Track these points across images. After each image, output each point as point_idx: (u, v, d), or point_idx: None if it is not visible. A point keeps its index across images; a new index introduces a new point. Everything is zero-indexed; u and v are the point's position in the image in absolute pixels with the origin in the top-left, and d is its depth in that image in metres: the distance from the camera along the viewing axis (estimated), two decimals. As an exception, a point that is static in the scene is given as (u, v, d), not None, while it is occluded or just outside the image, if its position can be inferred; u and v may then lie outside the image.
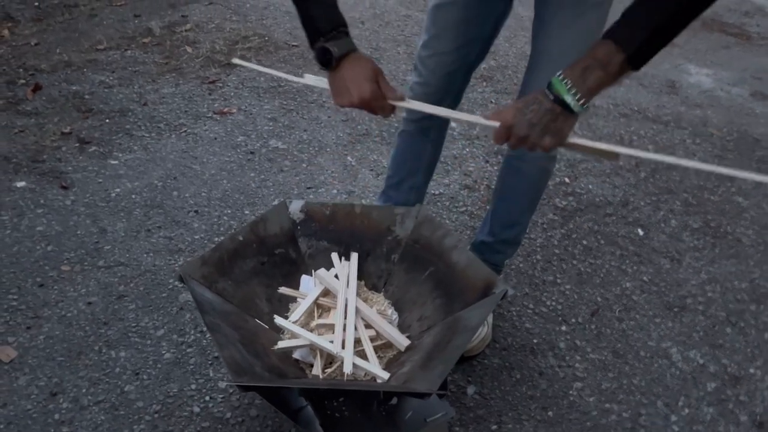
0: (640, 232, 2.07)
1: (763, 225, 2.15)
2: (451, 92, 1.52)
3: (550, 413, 1.45)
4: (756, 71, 3.39)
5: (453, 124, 2.57)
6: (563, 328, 1.68)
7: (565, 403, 1.48)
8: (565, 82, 0.99)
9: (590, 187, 2.27)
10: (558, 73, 1.00)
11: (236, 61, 1.35)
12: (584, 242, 2.00)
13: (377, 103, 1.13)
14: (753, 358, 1.63)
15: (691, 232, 2.09)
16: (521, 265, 1.88)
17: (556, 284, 1.83)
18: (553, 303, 1.76)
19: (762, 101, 3.06)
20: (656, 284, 1.86)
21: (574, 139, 1.05)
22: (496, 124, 1.06)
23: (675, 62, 3.36)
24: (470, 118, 1.14)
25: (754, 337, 1.70)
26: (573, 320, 1.71)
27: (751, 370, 1.59)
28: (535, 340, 1.64)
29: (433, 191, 2.15)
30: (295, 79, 1.25)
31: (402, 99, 1.16)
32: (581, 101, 0.99)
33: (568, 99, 0.98)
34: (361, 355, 1.20)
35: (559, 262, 1.91)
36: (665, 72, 3.23)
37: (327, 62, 1.12)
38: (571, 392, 1.50)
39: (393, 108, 1.15)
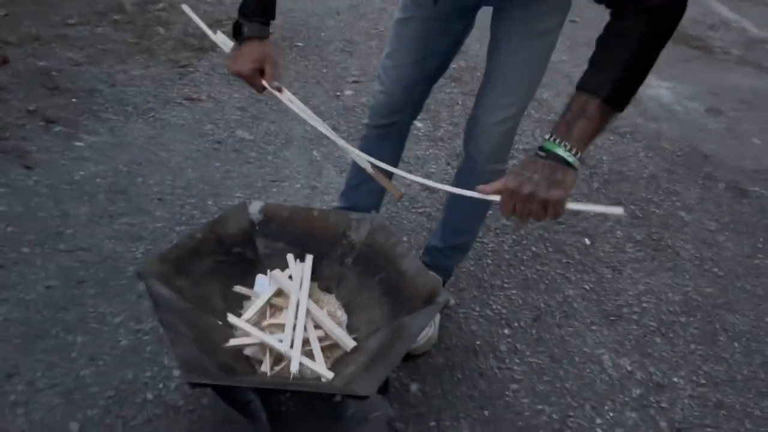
0: (587, 241, 2.18)
1: (702, 239, 2.28)
2: (411, 102, 1.60)
3: (486, 412, 1.55)
4: (713, 86, 3.53)
5: (419, 125, 2.64)
6: (506, 331, 1.78)
7: (501, 403, 1.58)
8: (553, 139, 1.05)
9: (544, 194, 2.37)
10: (545, 136, 1.07)
11: (185, 7, 1.49)
12: (533, 249, 2.10)
13: (249, 80, 1.32)
14: (678, 367, 1.76)
15: (635, 243, 2.21)
16: (472, 268, 1.97)
17: (503, 288, 1.92)
18: (499, 307, 1.86)
19: (715, 117, 3.20)
20: (597, 293, 1.97)
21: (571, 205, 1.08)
22: (497, 197, 1.10)
23: (638, 73, 3.47)
24: (467, 193, 1.19)
25: (681, 348, 1.82)
26: (516, 324, 1.81)
27: (675, 379, 1.72)
28: (478, 342, 1.73)
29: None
30: (210, 33, 1.42)
31: (278, 90, 1.33)
32: (574, 151, 1.03)
33: (560, 152, 1.03)
34: (309, 354, 1.27)
35: (507, 267, 2.00)
36: (627, 82, 3.34)
37: (236, 35, 1.31)
38: (507, 393, 1.60)
39: (264, 88, 1.33)
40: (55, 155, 2.11)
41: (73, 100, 2.40)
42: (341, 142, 1.35)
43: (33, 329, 1.54)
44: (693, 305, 1.98)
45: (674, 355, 1.79)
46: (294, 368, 1.20)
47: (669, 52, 3.68)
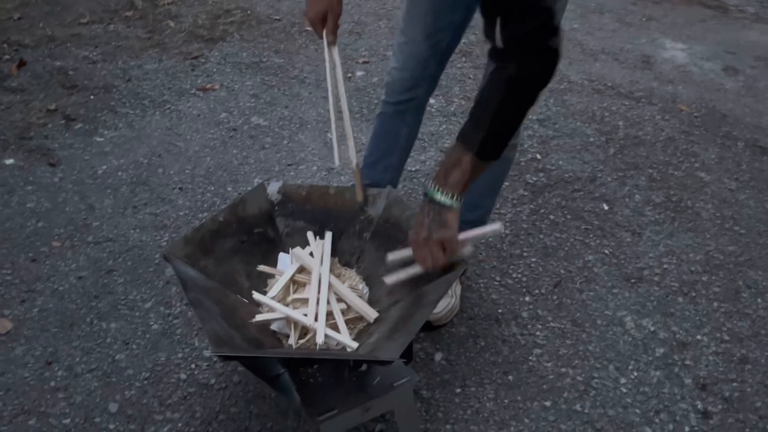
0: (605, 206, 2.18)
1: (722, 199, 2.27)
2: (426, 78, 1.60)
3: (510, 377, 1.57)
4: (729, 45, 3.47)
5: (432, 101, 2.64)
6: (527, 298, 1.80)
7: (525, 368, 1.60)
8: (434, 186, 1.19)
9: (560, 163, 2.37)
10: (430, 182, 1.19)
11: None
12: (551, 217, 2.11)
13: (314, 28, 1.43)
14: (701, 325, 1.76)
15: (654, 206, 2.21)
16: (490, 239, 1.99)
17: (523, 257, 1.94)
18: (519, 275, 1.87)
19: (733, 76, 3.15)
20: (616, 257, 1.98)
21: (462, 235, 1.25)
22: (410, 251, 1.27)
23: (651, 36, 3.43)
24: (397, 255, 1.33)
25: (703, 306, 1.82)
26: (536, 291, 1.83)
27: (698, 337, 1.72)
28: (500, 310, 1.75)
29: (409, 168, 2.24)
30: None
31: (331, 44, 1.43)
32: (451, 195, 1.17)
33: (439, 197, 1.17)
34: (334, 327, 1.30)
35: (526, 236, 2.02)
36: (641, 46, 3.30)
37: None
38: (530, 358, 1.63)
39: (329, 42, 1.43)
40: (77, 151, 2.16)
41: (91, 97, 2.45)
42: (348, 130, 1.47)
43: (68, 318, 1.60)
44: (715, 264, 1.98)
45: (697, 314, 1.80)
46: (320, 339, 1.23)
47: (684, 14, 3.60)
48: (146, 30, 2.95)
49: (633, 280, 1.90)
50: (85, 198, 1.98)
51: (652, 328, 1.74)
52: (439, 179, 1.18)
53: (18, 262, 1.74)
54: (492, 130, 1.12)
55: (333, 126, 1.48)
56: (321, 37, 1.44)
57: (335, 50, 1.45)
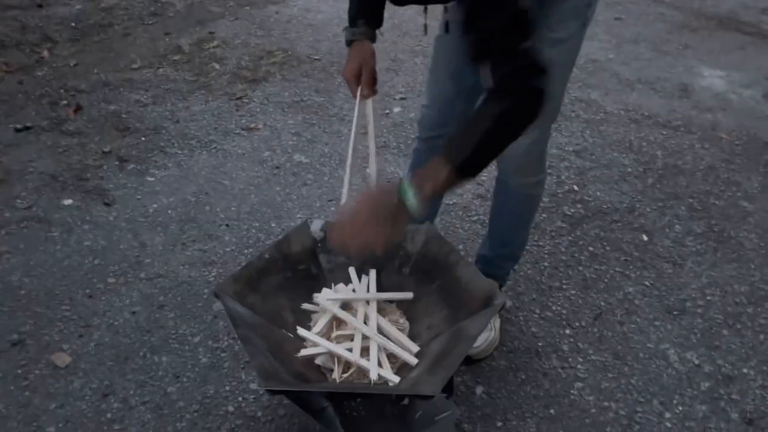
0: (645, 237, 2.17)
1: (767, 228, 2.23)
2: (454, 116, 1.63)
3: (552, 411, 1.58)
4: (770, 71, 3.43)
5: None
6: (567, 331, 1.80)
7: (567, 402, 1.60)
8: (409, 185, 1.16)
9: (598, 194, 2.38)
10: (408, 177, 1.19)
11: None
12: (590, 249, 2.11)
13: (350, 87, 1.51)
14: (747, 358, 1.73)
15: (695, 237, 2.19)
16: (529, 271, 2.00)
17: (562, 290, 1.95)
18: (559, 308, 1.88)
19: (774, 102, 3.11)
20: (658, 288, 1.97)
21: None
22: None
23: (688, 64, 3.42)
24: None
25: (749, 339, 1.79)
26: (577, 324, 1.83)
27: (745, 370, 1.70)
28: (540, 343, 1.76)
29: (446, 201, 2.28)
30: None
31: (365, 97, 1.51)
32: (417, 202, 1.15)
33: (409, 196, 1.15)
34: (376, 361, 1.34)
35: (565, 269, 2.03)
36: (678, 75, 3.30)
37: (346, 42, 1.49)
38: (572, 392, 1.63)
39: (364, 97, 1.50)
40: (130, 191, 2.28)
41: (142, 138, 2.58)
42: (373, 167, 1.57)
43: (123, 352, 1.68)
44: (760, 295, 1.95)
45: (743, 347, 1.77)
46: (374, 376, 1.27)
47: (721, 40, 3.58)
48: (193, 73, 3.10)
49: (675, 312, 1.88)
50: (138, 236, 2.08)
51: (697, 362, 1.72)
52: (416, 180, 1.17)
53: (76, 298, 1.83)
54: (476, 153, 1.14)
55: (346, 181, 1.56)
56: (354, 95, 1.51)
57: (369, 104, 1.52)
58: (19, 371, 1.62)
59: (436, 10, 1.42)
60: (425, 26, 1.51)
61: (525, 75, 1.08)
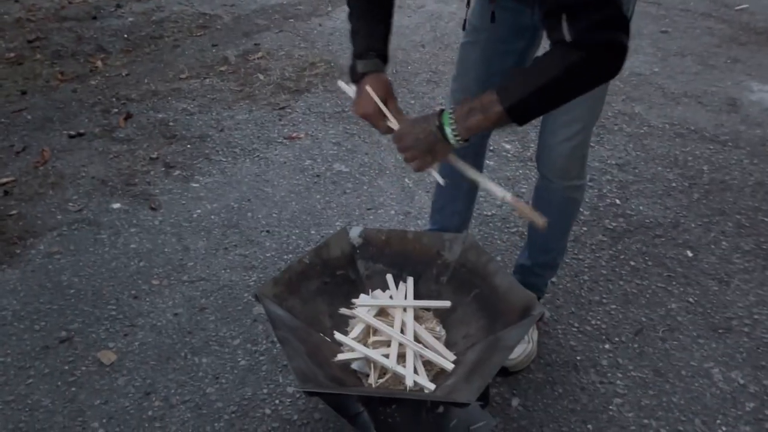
0: (689, 253, 2.12)
1: (819, 247, 2.16)
2: None
3: (589, 426, 1.55)
4: (824, 86, 3.32)
5: (508, 146, 2.69)
6: (606, 346, 1.77)
7: (605, 418, 1.57)
8: (450, 117, 1.15)
9: (641, 208, 2.34)
10: (450, 107, 1.16)
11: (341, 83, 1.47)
12: (632, 263, 2.08)
13: (373, 120, 1.34)
14: (796, 380, 1.67)
15: (742, 254, 2.13)
16: (568, 284, 1.98)
17: (602, 304, 1.92)
18: (598, 322, 1.85)
19: (828, 118, 3.01)
20: (702, 306, 1.92)
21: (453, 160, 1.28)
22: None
23: (737, 79, 3.34)
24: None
25: (799, 360, 1.73)
26: (617, 339, 1.80)
27: (794, 393, 1.64)
28: (578, 357, 1.74)
29: (485, 212, 2.28)
30: (341, 84, 1.48)
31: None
32: (458, 137, 1.16)
33: (447, 131, 1.16)
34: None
35: (605, 283, 1.99)
36: (726, 89, 3.22)
37: (352, 76, 1.36)
38: (611, 407, 1.60)
39: (390, 128, 1.34)
40: (175, 196, 2.34)
41: (188, 146, 2.65)
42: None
43: (165, 352, 1.73)
44: (811, 315, 1.88)
45: (792, 368, 1.71)
46: (410, 382, 1.28)
47: (770, 55, 3.34)
48: (238, 83, 3.17)
49: (720, 331, 1.83)
50: (182, 240, 2.13)
51: (742, 381, 1.67)
52: (457, 113, 1.14)
53: (122, 299, 1.89)
54: (533, 97, 1.09)
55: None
56: (383, 130, 1.34)
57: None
58: (66, 367, 1.68)
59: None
60: (465, 22, 1.51)
61: (607, 25, 1.01)
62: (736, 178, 2.53)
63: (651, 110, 3.00)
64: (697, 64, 3.47)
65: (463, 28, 1.52)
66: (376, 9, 1.35)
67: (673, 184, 2.48)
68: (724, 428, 1.54)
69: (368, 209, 2.31)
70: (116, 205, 2.29)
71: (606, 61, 1.05)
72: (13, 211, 2.24)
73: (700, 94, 3.15)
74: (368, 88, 1.31)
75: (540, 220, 1.24)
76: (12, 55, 3.38)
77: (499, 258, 2.06)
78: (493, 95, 1.12)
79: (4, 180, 2.39)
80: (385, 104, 1.32)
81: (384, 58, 1.35)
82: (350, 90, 1.39)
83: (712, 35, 3.84)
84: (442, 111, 1.19)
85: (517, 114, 1.11)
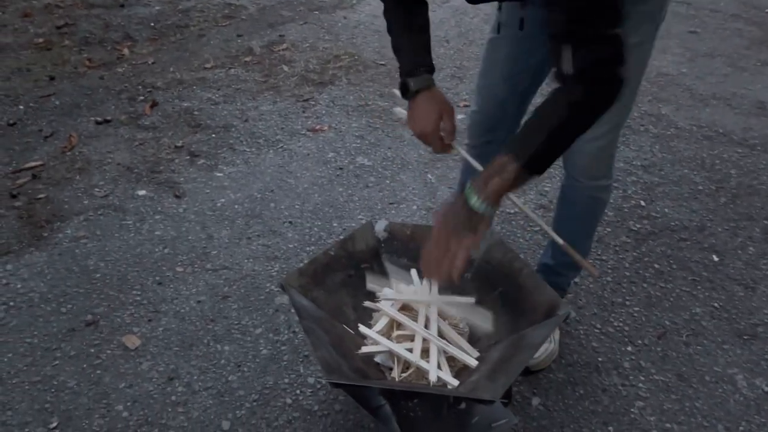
0: (715, 258, 2.10)
1: None
2: (505, 120, 1.60)
3: (610, 428, 1.54)
4: None
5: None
6: (629, 348, 1.76)
7: (626, 420, 1.56)
8: (471, 189, 1.13)
9: (666, 210, 2.31)
10: (469, 182, 1.15)
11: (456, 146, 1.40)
12: (656, 266, 2.06)
13: (430, 140, 1.33)
14: (823, 389, 1.65)
15: (769, 260, 2.10)
16: (591, 285, 1.97)
17: (625, 306, 1.90)
18: (621, 324, 1.84)
19: None
20: (727, 311, 1.89)
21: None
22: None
23: (767, 82, 3.28)
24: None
25: (826, 369, 1.71)
26: (639, 342, 1.78)
27: (820, 402, 1.62)
28: (600, 359, 1.73)
29: (508, 210, 2.26)
30: (396, 111, 1.50)
31: (451, 142, 1.35)
32: (485, 203, 1.12)
33: (473, 201, 1.13)
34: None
35: (629, 285, 1.98)
36: (756, 92, 3.17)
37: (404, 93, 1.34)
38: (632, 410, 1.59)
39: (446, 147, 1.34)
40: (199, 185, 2.36)
41: (213, 135, 2.67)
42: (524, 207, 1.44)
43: (188, 338, 1.74)
44: (839, 325, 1.85)
45: (818, 377, 1.69)
46: (433, 377, 1.28)
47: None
48: (263, 74, 3.18)
49: (746, 337, 1.81)
50: (206, 228, 2.15)
51: (767, 389, 1.65)
52: (477, 183, 1.14)
53: (146, 285, 1.91)
54: (545, 147, 1.10)
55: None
56: (437, 149, 1.34)
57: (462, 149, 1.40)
58: (92, 350, 1.70)
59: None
60: (498, 25, 1.49)
61: (609, 62, 1.03)
62: (764, 183, 2.49)
63: (678, 112, 2.97)
64: (726, 65, 3.42)
65: (498, 32, 1.50)
66: (414, 19, 1.33)
67: (700, 187, 2.45)
68: (747, 435, 1.53)
69: (390, 203, 2.30)
70: (141, 192, 2.31)
71: (606, 95, 1.07)
72: (41, 195, 2.27)
73: (729, 97, 3.10)
74: (422, 105, 1.31)
75: (594, 270, 1.31)
76: (41, 40, 3.42)
77: (521, 257, 2.05)
78: (505, 156, 1.12)
79: (33, 164, 2.43)
80: (442, 119, 1.32)
81: (432, 70, 1.34)
82: (405, 116, 1.39)
83: (741, 37, 3.78)
84: (462, 189, 1.18)
85: (536, 166, 1.12)
